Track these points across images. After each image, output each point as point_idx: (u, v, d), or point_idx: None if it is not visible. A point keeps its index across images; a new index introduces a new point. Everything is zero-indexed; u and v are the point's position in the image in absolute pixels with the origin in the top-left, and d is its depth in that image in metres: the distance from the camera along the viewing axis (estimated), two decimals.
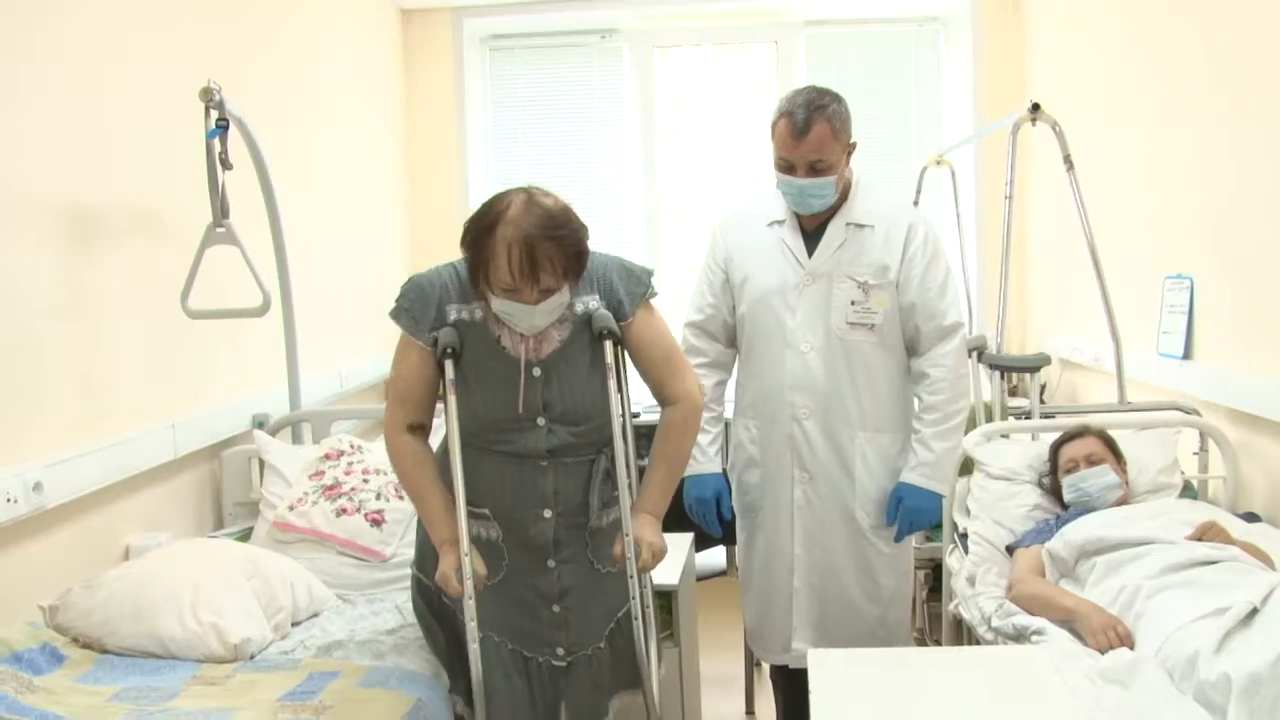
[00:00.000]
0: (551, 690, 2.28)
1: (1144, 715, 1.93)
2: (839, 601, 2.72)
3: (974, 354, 3.35)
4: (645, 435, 2.33)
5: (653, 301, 2.30)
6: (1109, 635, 2.26)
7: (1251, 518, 2.93)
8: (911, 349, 2.70)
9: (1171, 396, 3.43)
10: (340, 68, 4.45)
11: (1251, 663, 1.90)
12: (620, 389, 2.22)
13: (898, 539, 2.71)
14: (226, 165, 2.69)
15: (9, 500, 2.26)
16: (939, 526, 3.17)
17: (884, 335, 2.66)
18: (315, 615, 2.56)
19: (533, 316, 2.08)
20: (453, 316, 2.17)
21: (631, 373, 2.32)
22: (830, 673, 2.16)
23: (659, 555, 2.22)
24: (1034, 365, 3.33)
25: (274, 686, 2.09)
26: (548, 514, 2.21)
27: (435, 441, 2.32)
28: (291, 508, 2.86)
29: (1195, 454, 3.23)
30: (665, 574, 2.73)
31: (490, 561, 2.21)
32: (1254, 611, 2.04)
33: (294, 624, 2.50)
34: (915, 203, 4.70)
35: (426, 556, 2.28)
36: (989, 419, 3.42)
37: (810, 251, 2.67)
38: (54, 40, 2.56)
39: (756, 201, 2.82)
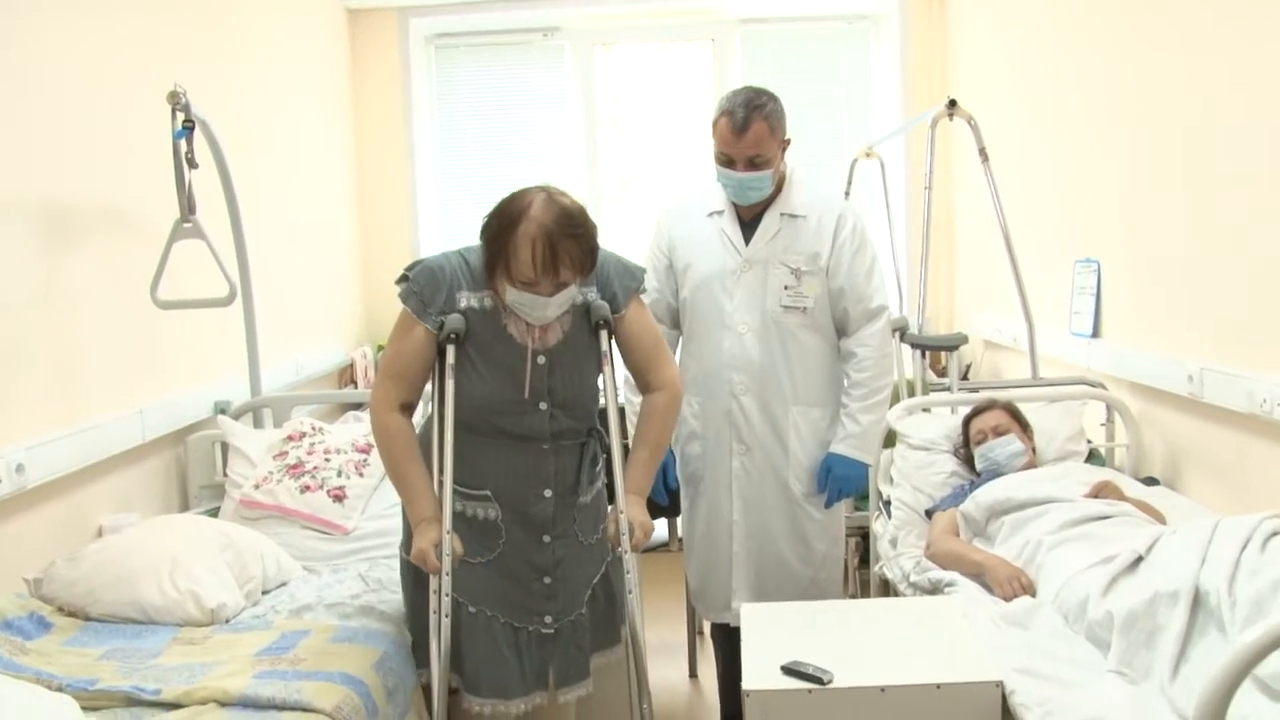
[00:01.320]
0: (539, 657, 2.39)
1: (1038, 651, 2.17)
2: (774, 564, 2.93)
3: (897, 334, 3.58)
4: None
5: (642, 297, 2.46)
6: (1014, 585, 2.50)
7: (1151, 481, 3.20)
8: (840, 330, 2.91)
9: (1081, 372, 3.70)
10: (291, 68, 4.59)
11: (1130, 601, 2.14)
12: (614, 375, 2.39)
13: (828, 505, 2.93)
14: (192, 164, 2.84)
15: None
16: (866, 495, 3.41)
17: (815, 317, 2.86)
18: (284, 584, 2.73)
19: (546, 308, 2.21)
20: (463, 304, 2.28)
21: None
22: (760, 622, 2.38)
23: (649, 533, 2.39)
24: (952, 344, 3.57)
25: (250, 644, 2.27)
26: (548, 493, 2.35)
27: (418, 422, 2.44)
28: (257, 486, 3.03)
29: (1102, 425, 3.50)
30: None
31: (488, 540, 2.34)
32: (1139, 560, 2.28)
33: (264, 592, 2.66)
34: (846, 193, 4.93)
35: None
36: (911, 394, 3.65)
37: (747, 240, 2.86)
38: (27, 47, 2.70)
39: (698, 193, 3.01)
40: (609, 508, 2.46)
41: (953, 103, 3.69)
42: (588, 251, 2.21)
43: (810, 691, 2.03)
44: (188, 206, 2.87)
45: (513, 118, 5.60)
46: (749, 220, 2.88)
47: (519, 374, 2.28)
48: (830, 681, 2.04)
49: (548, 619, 2.39)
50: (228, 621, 2.45)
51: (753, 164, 2.75)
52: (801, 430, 2.89)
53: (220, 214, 3.31)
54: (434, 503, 2.26)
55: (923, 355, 3.63)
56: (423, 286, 2.28)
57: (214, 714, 1.92)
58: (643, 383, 2.49)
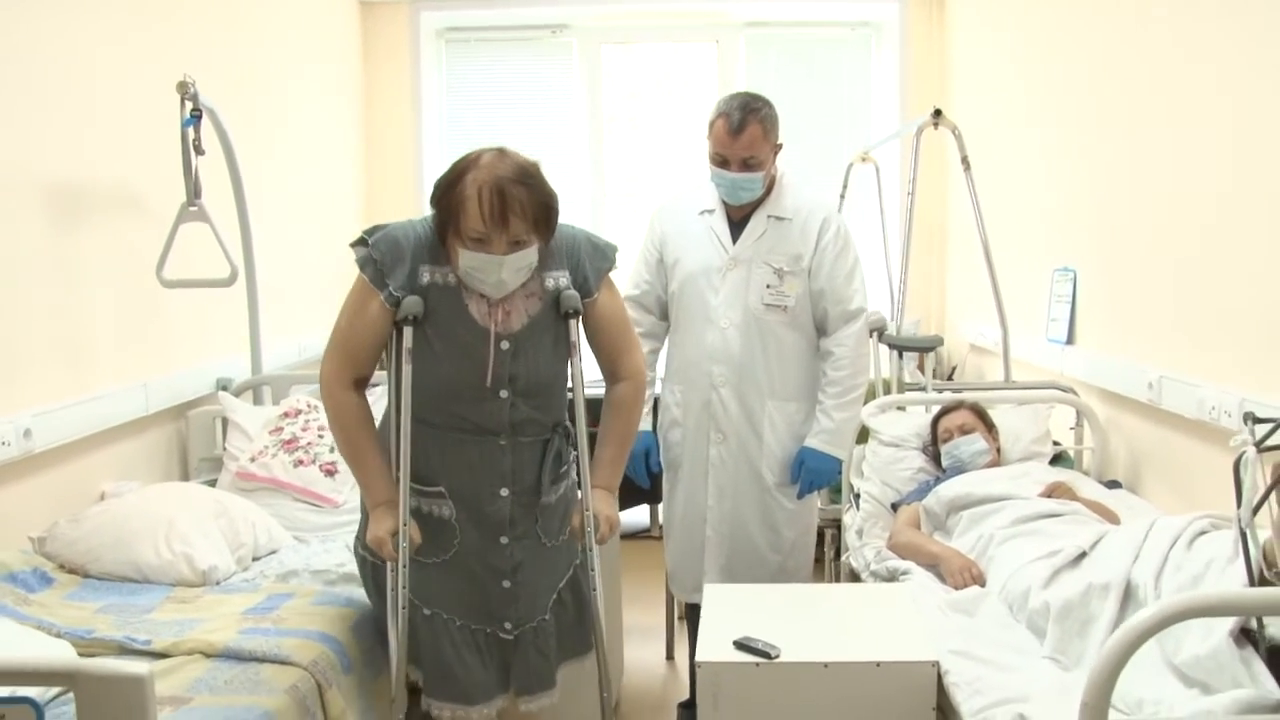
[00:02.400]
0: (499, 659, 2.30)
1: (979, 636, 2.30)
2: (745, 548, 3.05)
3: (875, 334, 3.70)
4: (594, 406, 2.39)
5: (611, 276, 2.36)
6: (965, 576, 2.64)
7: (1113, 484, 3.32)
8: (820, 330, 3.02)
9: (1055, 377, 3.81)
10: (302, 59, 4.73)
11: (1066, 592, 2.27)
12: (581, 368, 2.28)
13: (800, 496, 3.04)
14: (199, 151, 2.99)
15: (3, 443, 2.56)
16: (839, 488, 3.54)
17: (795, 316, 2.98)
18: (274, 552, 2.87)
19: (501, 269, 2.07)
20: (426, 279, 2.14)
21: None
22: (720, 601, 2.52)
23: (615, 528, 2.34)
24: (927, 346, 3.70)
25: (237, 604, 2.41)
26: (505, 492, 2.23)
27: (377, 412, 2.34)
28: (253, 459, 3.18)
29: (1071, 428, 3.63)
30: None
31: (442, 539, 2.23)
32: (1082, 555, 2.41)
33: (255, 558, 2.80)
34: (842, 196, 5.05)
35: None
36: (887, 393, 3.77)
37: (735, 239, 2.98)
38: (43, 35, 2.84)
39: (690, 191, 3.13)
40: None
41: (938, 112, 3.81)
42: (541, 204, 2.09)
43: (758, 665, 2.17)
44: (193, 191, 3.01)
45: (520, 112, 5.73)
46: (738, 220, 2.99)
47: (480, 359, 2.15)
48: (777, 656, 2.17)
49: (508, 624, 2.29)
50: (218, 583, 2.60)
51: (746, 165, 2.87)
52: (776, 423, 3.01)
53: (228, 198, 3.45)
54: (391, 486, 2.17)
55: (899, 356, 3.75)
56: (383, 254, 2.13)
57: (199, 664, 2.06)
58: (609, 370, 2.40)
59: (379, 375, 2.30)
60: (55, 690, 1.81)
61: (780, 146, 2.96)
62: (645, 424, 3.05)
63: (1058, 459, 3.48)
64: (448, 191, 2.09)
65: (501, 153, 2.12)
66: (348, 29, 5.34)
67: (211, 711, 1.85)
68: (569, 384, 2.29)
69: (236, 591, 2.53)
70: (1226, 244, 2.75)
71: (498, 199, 2.04)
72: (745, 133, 2.84)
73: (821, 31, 5.71)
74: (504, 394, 2.19)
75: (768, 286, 2.95)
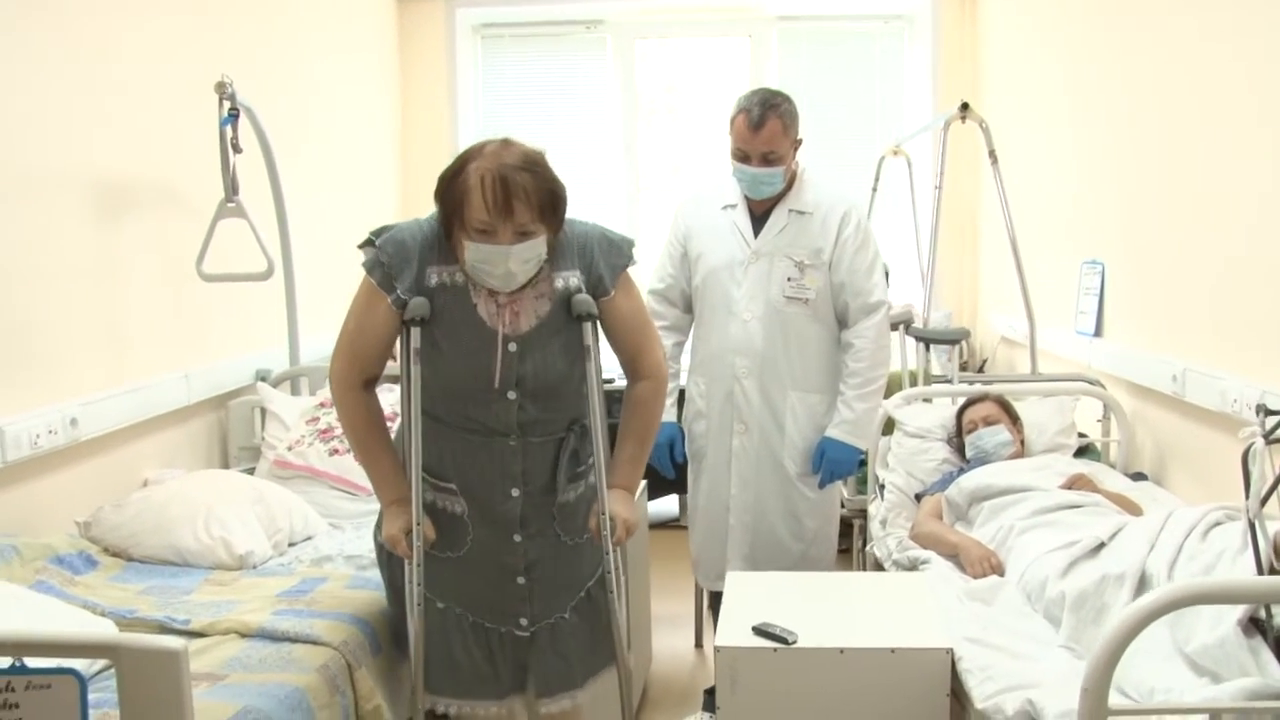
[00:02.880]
0: (513, 659, 2.26)
1: (995, 625, 2.34)
2: (767, 538, 3.10)
3: (901, 326, 3.74)
4: (615, 399, 2.39)
5: (630, 271, 2.29)
6: (984, 565, 2.67)
7: (1139, 476, 3.34)
8: (841, 322, 3.06)
9: (1083, 370, 3.82)
10: (339, 56, 4.82)
11: (1082, 582, 2.30)
12: (598, 368, 2.23)
13: (821, 486, 3.08)
14: (237, 149, 3.08)
15: (50, 431, 2.66)
16: (864, 479, 3.58)
17: (817, 309, 3.02)
18: (309, 538, 2.95)
19: (508, 260, 2.03)
20: (434, 280, 2.11)
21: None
22: (741, 588, 2.56)
23: (632, 529, 2.27)
24: (953, 338, 3.72)
25: (272, 587, 2.50)
26: (515, 493, 2.19)
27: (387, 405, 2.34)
28: (290, 448, 3.27)
29: (1099, 421, 3.64)
30: None
31: (455, 536, 2.21)
32: (1100, 546, 2.43)
33: (290, 544, 2.89)
34: (874, 190, 5.08)
35: None
36: (913, 385, 3.80)
37: (756, 233, 3.03)
38: (88, 39, 2.94)
39: (713, 187, 3.18)
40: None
41: (965, 106, 3.83)
42: (546, 191, 2.05)
43: (775, 650, 2.21)
44: (231, 188, 3.11)
45: (555, 107, 5.79)
46: (760, 214, 3.04)
47: (488, 360, 2.11)
48: (794, 642, 2.22)
49: (523, 621, 2.24)
50: (255, 567, 2.69)
51: (766, 160, 2.91)
52: (798, 414, 3.05)
53: (265, 194, 3.54)
54: (402, 484, 2.16)
55: (927, 348, 3.77)
56: (390, 257, 2.10)
57: (235, 643, 2.15)
58: (628, 368, 2.34)
59: (394, 368, 2.29)
60: (99, 666, 1.90)
61: (800, 142, 3.00)
62: (670, 415, 3.10)
63: (1084, 451, 3.49)
64: (451, 183, 2.05)
65: (506, 142, 2.08)
66: (385, 26, 5.43)
67: (245, 688, 1.94)
68: (585, 384, 2.22)
69: (272, 575, 2.62)
70: (1251, 238, 2.76)
71: (501, 187, 1.99)
72: (765, 128, 2.88)
73: (854, 25, 5.72)
74: (511, 395, 2.14)
75: (789, 279, 2.99)
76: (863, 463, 3.30)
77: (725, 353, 3.05)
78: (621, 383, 2.41)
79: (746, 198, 3.04)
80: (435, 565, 2.18)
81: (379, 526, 2.29)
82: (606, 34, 5.75)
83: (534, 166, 2.04)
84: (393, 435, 2.30)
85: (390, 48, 5.50)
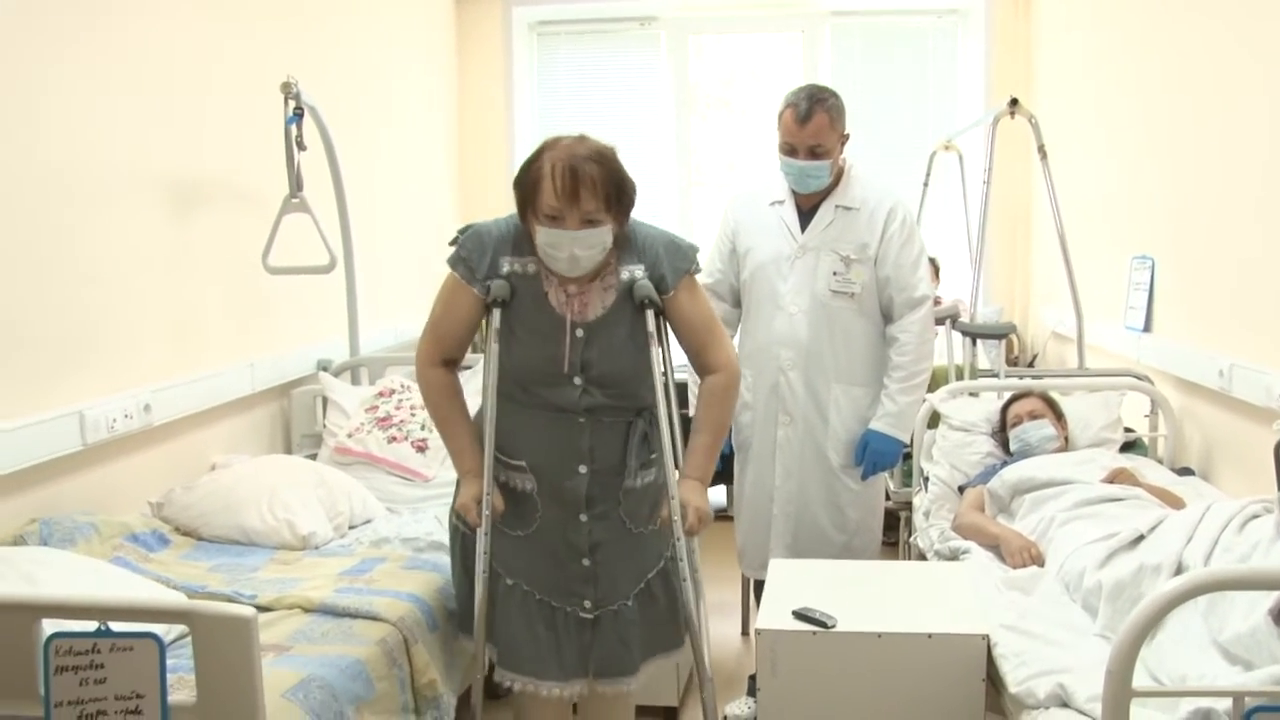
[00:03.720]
0: (578, 641, 2.33)
1: (1032, 613, 2.38)
2: (810, 528, 3.15)
3: (948, 321, 3.78)
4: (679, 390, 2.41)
5: (696, 278, 2.39)
6: (1024, 556, 2.71)
7: (1185, 472, 3.35)
8: (885, 316, 3.11)
9: (1132, 365, 3.84)
10: (399, 54, 4.96)
11: (1119, 572, 2.34)
12: (665, 355, 2.32)
13: (864, 478, 3.14)
14: (301, 146, 3.21)
15: (126, 416, 2.80)
16: (909, 471, 3.63)
17: (862, 303, 3.07)
18: (368, 521, 3.07)
19: (573, 245, 2.15)
20: (506, 269, 2.26)
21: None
22: (783, 575, 2.64)
23: (705, 519, 2.29)
24: (999, 333, 3.76)
25: (334, 566, 2.62)
26: (583, 469, 2.28)
27: (470, 391, 2.45)
28: (350, 435, 3.39)
29: (1146, 416, 3.65)
30: None
31: (525, 513, 2.31)
32: (1140, 538, 2.47)
33: (351, 527, 3.01)
34: (925, 185, 5.11)
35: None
36: (959, 379, 3.84)
37: (803, 228, 3.09)
38: (159, 43, 3.08)
39: (762, 184, 3.24)
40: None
41: (1014, 101, 3.85)
42: (614, 183, 2.17)
43: (815, 634, 2.28)
44: (295, 184, 3.23)
45: (609, 103, 5.87)
46: (807, 210, 3.09)
47: (557, 345, 2.24)
48: (834, 626, 2.29)
49: (587, 603, 2.33)
50: (317, 548, 2.82)
51: (813, 153, 2.97)
52: (842, 406, 3.10)
53: (327, 190, 3.67)
54: (477, 455, 2.29)
55: (973, 343, 3.81)
56: (470, 252, 2.28)
57: (298, 617, 2.27)
58: (698, 365, 2.41)
59: (473, 358, 2.43)
60: (175, 634, 2.02)
61: (847, 137, 3.04)
62: None
63: (1130, 446, 3.51)
64: (527, 171, 2.19)
65: (581, 138, 2.21)
66: (443, 24, 5.55)
67: (309, 659, 2.05)
68: (655, 372, 2.29)
69: (333, 555, 2.75)
70: None
71: (570, 175, 2.12)
72: (812, 121, 2.94)
73: (906, 20, 5.74)
74: (577, 380, 2.25)
75: (834, 274, 3.04)
76: (906, 455, 3.34)
77: (771, 345, 3.11)
78: (682, 375, 2.48)
79: (794, 193, 3.09)
80: (505, 542, 2.31)
81: (455, 500, 2.37)
82: (660, 30, 5.82)
83: (603, 159, 2.17)
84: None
85: (448, 46, 5.62)
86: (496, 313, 2.25)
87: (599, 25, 5.85)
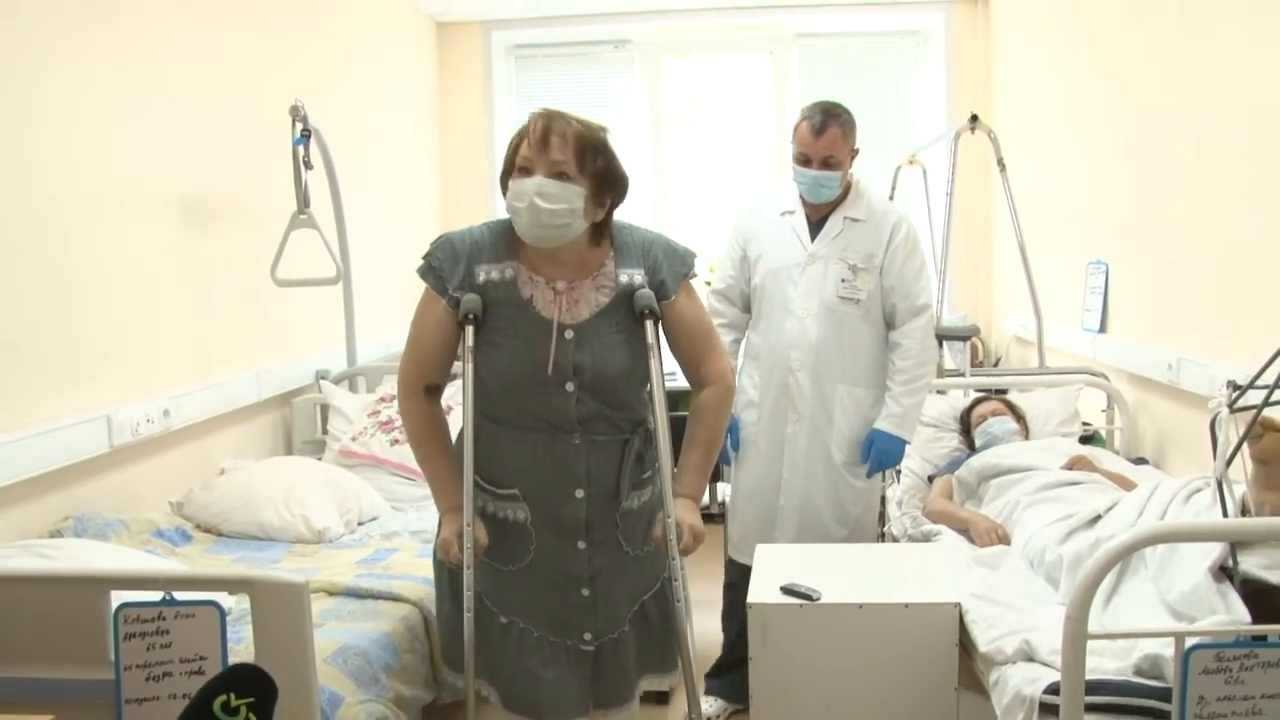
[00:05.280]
0: (579, 675, 2.25)
1: (999, 585, 2.60)
2: (812, 520, 3.28)
3: None
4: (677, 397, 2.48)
5: (692, 283, 2.32)
6: (991, 537, 2.93)
7: (1140, 461, 3.58)
8: (889, 323, 3.26)
9: (1089, 364, 4.07)
10: (388, 76, 5.16)
11: (1077, 547, 2.56)
12: (661, 372, 2.23)
13: (869, 475, 3.28)
14: (308, 166, 3.39)
15: (148, 421, 2.98)
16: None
17: (868, 310, 3.22)
18: (375, 518, 3.25)
19: (536, 194, 2.06)
20: (482, 277, 2.16)
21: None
22: (771, 557, 2.83)
23: (699, 538, 2.24)
24: (964, 335, 3.99)
25: (350, 556, 2.81)
26: (580, 494, 2.18)
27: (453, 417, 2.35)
28: (354, 439, 3.57)
29: (1103, 410, 3.89)
30: None
31: (518, 545, 2.21)
32: (1097, 518, 2.69)
33: (359, 523, 3.19)
34: (890, 197, 5.34)
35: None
36: None
37: (813, 237, 3.24)
38: (173, 67, 3.26)
39: (772, 195, 3.43)
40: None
41: (974, 117, 4.09)
42: (588, 142, 2.11)
43: (801, 606, 2.48)
44: (303, 201, 3.41)
45: None
46: (816, 221, 3.25)
47: (542, 348, 2.13)
48: (818, 599, 2.48)
49: (587, 635, 2.24)
50: (330, 542, 2.99)
51: (826, 164, 3.13)
52: (847, 406, 3.24)
53: (323, 207, 3.84)
54: (459, 492, 2.17)
55: (940, 344, 4.03)
56: (441, 261, 2.18)
57: (325, 600, 2.44)
58: (693, 375, 2.34)
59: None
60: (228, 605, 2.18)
61: (857, 151, 3.23)
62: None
63: (1090, 439, 3.74)
64: (515, 137, 2.15)
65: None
66: (426, 47, 5.76)
67: (340, 633, 2.23)
68: (647, 383, 2.23)
69: (347, 548, 2.93)
70: (1240, 237, 3.01)
71: (543, 125, 2.09)
72: (827, 133, 3.11)
73: (870, 41, 6.00)
74: (569, 386, 2.15)
75: (843, 281, 3.20)
76: None
77: (782, 347, 3.23)
78: (682, 381, 2.42)
79: (804, 204, 3.26)
80: (498, 579, 2.22)
81: (437, 538, 2.26)
82: (634, 53, 6.04)
83: (585, 124, 2.13)
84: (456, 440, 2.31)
85: (430, 69, 5.82)
86: (470, 331, 2.14)
87: (575, 49, 6.07)
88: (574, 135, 2.09)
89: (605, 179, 2.15)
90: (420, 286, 2.24)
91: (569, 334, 2.16)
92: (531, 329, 2.16)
